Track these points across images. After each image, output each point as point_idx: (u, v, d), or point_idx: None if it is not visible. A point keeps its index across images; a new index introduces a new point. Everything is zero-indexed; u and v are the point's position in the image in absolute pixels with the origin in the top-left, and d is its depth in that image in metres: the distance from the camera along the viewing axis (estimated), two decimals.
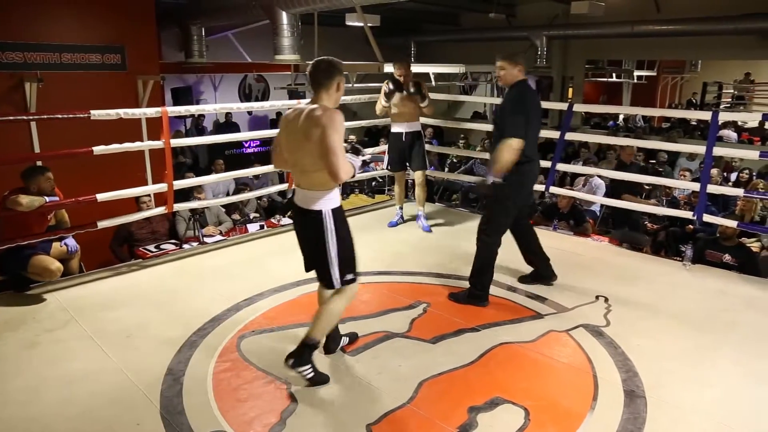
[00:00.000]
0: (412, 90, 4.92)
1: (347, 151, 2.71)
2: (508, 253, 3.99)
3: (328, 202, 2.66)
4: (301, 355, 2.73)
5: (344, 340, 3.15)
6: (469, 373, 2.94)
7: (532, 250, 4.01)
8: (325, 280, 2.79)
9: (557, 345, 3.23)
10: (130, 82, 6.52)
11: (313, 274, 2.87)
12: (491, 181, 3.47)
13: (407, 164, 5.29)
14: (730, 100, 16.43)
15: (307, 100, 2.92)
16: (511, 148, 3.41)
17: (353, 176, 2.71)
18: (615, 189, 6.28)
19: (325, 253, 2.69)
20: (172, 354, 3.06)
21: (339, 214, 2.71)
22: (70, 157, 4.43)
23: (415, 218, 5.47)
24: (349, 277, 2.77)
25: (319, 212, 2.65)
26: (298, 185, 2.72)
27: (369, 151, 7.84)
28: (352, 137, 3.14)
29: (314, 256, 2.78)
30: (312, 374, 2.75)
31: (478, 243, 3.73)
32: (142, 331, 3.32)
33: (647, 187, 6.48)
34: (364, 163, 2.87)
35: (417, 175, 5.24)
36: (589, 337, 3.29)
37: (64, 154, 4.35)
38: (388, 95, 4.99)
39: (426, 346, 3.19)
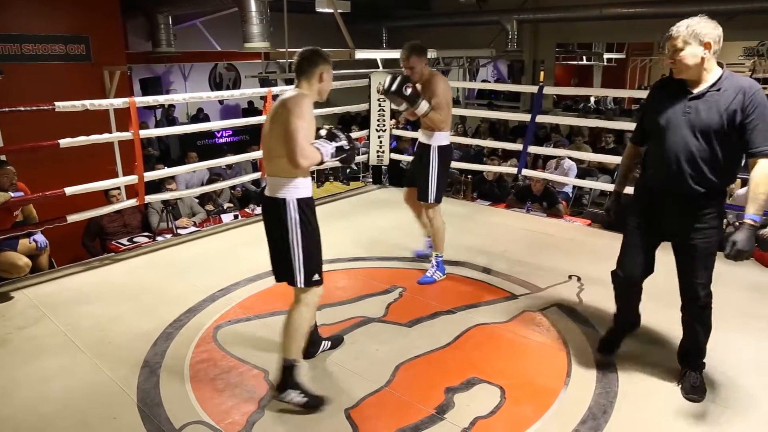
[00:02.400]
0: (392, 87, 3.47)
1: (320, 137, 2.58)
2: (483, 236, 4.05)
3: (294, 190, 2.47)
4: (284, 380, 2.52)
5: (325, 344, 2.98)
6: (446, 354, 2.98)
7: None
8: (288, 278, 2.56)
9: (532, 324, 3.28)
10: (96, 73, 6.40)
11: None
12: None
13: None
14: None
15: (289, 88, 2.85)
16: None
17: (321, 162, 2.50)
18: None
19: (289, 246, 2.48)
20: (147, 346, 3.04)
21: (306, 205, 2.50)
22: (37, 151, 4.34)
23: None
24: (316, 277, 2.56)
25: (283, 200, 2.46)
26: (268, 174, 2.54)
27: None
28: (326, 127, 2.52)
29: (277, 251, 2.56)
30: (304, 399, 2.52)
31: (701, 310, 2.66)
32: (116, 325, 3.29)
33: None
34: (341, 150, 2.59)
35: (423, 207, 3.88)
36: (562, 316, 3.36)
37: (29, 148, 4.24)
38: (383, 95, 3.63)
39: (402, 329, 3.22)
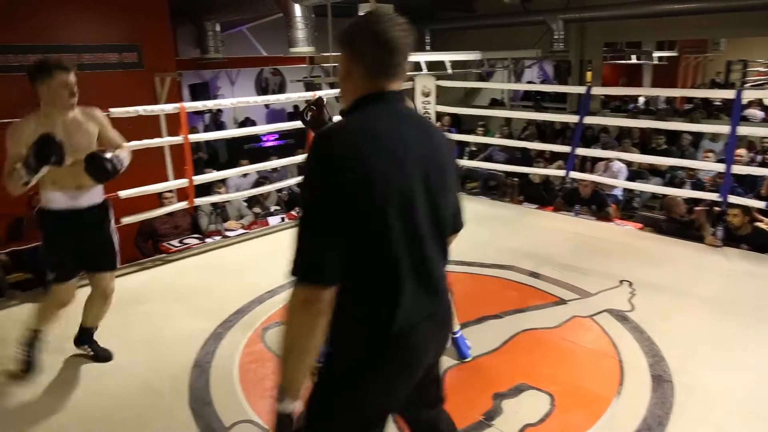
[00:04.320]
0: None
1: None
2: (531, 239, 3.98)
3: (43, 202, 2.74)
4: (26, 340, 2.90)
5: (86, 349, 3.05)
6: (493, 360, 2.93)
7: None
8: None
9: (581, 330, 3.20)
10: (148, 79, 6.59)
11: None
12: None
13: None
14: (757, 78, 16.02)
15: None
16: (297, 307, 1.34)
17: (28, 183, 2.46)
18: None
19: None
20: (198, 346, 3.11)
21: (47, 216, 2.76)
22: None
23: None
24: (50, 276, 2.86)
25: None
26: None
27: None
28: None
29: None
30: (24, 358, 2.87)
31: None
32: (168, 325, 3.37)
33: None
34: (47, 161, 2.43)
35: None
36: (613, 322, 3.27)
37: None
38: None
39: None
